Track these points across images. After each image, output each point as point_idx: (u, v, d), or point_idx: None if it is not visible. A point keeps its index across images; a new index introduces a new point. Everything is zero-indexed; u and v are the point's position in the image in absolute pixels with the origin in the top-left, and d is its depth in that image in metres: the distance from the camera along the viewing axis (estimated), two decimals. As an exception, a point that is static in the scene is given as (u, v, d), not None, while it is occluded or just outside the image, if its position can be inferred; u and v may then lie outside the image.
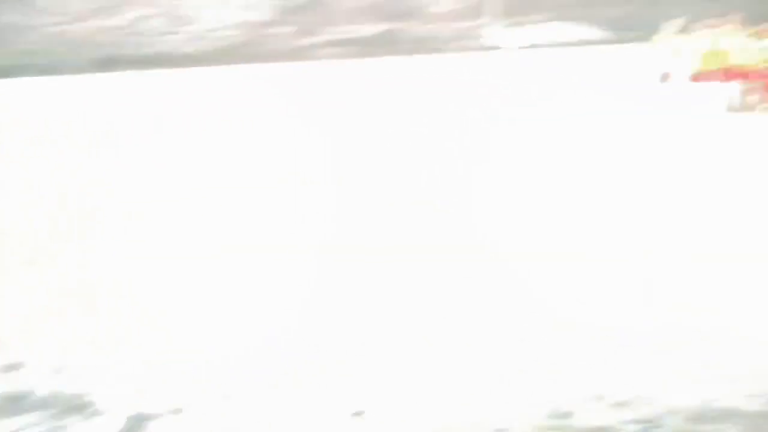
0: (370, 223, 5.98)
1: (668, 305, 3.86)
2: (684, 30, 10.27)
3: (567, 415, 2.89)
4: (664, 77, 10.38)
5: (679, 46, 10.87)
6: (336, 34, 48.87)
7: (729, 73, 9.86)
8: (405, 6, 50.19)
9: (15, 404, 3.12)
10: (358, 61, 42.92)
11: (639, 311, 3.86)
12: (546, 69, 26.25)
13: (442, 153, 8.80)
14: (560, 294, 4.37)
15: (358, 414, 2.97)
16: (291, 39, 47.82)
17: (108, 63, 39.87)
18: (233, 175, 8.66)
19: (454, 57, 41.71)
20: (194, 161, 10.12)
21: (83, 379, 3.45)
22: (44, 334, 4.23)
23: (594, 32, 45.28)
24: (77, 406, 3.14)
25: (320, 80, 27.89)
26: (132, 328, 4.20)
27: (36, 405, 3.10)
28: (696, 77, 10.14)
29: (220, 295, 4.83)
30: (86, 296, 4.92)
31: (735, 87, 9.54)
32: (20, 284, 4.99)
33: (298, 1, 50.62)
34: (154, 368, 3.55)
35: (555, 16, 48.49)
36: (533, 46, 45.67)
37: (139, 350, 3.86)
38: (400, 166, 8.01)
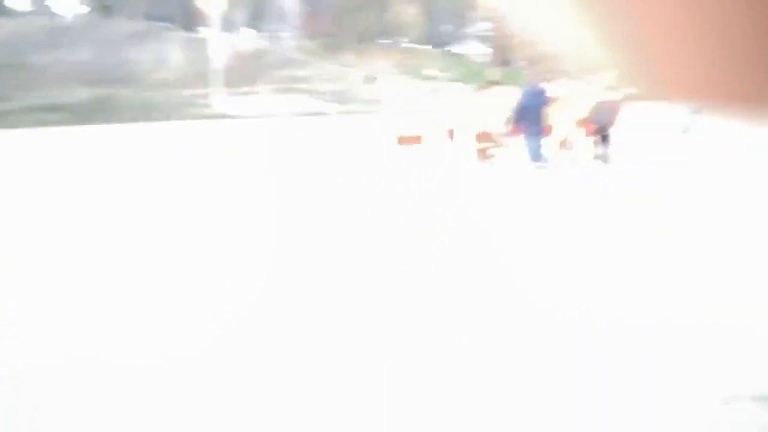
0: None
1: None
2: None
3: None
4: (401, 140, 11.03)
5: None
6: (42, 99, 43.60)
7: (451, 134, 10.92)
8: (125, 72, 47.35)
9: None
10: (68, 129, 38.76)
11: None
12: (276, 136, 26.74)
13: (167, 221, 7.82)
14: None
15: None
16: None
17: None
18: None
19: (180, 124, 40.41)
20: None
21: None
22: None
23: (317, 104, 48.34)
24: None
25: (23, 149, 24.32)
26: None
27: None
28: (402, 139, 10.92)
29: None
30: None
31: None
32: None
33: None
34: None
35: (282, 88, 50.62)
36: (262, 115, 46.79)
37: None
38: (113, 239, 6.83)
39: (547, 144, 8.10)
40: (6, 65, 45.23)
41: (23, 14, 53.16)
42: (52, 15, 54.72)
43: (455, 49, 73.60)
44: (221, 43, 49.81)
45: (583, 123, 10.19)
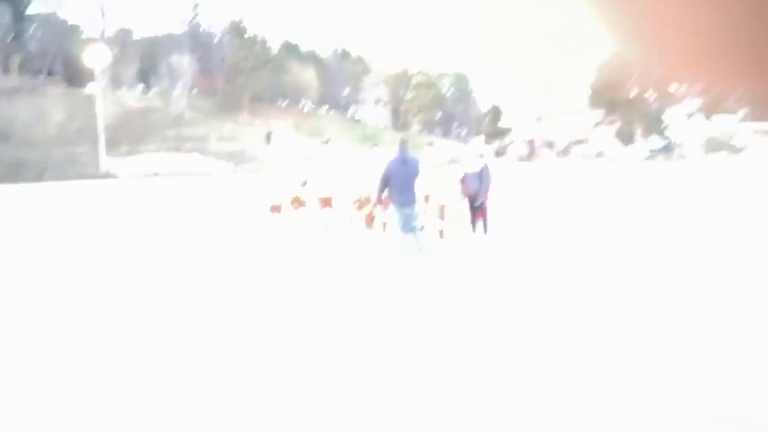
0: None
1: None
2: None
3: None
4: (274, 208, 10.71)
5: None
6: None
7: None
8: (3, 128, 43.74)
9: None
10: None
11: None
12: (166, 196, 25.47)
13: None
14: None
15: None
16: None
17: None
18: None
19: (57, 184, 37.39)
20: None
21: None
22: None
23: (208, 163, 47.00)
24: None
25: None
26: None
27: None
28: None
29: None
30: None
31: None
32: None
33: None
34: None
35: (171, 147, 48.89)
36: (152, 174, 44.75)
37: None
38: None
39: (423, 214, 7.75)
40: None
41: None
42: None
43: (353, 112, 75.48)
44: (108, 100, 47.75)
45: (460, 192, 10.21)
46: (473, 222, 8.92)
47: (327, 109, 71.61)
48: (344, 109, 73.44)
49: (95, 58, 46.10)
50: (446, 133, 75.35)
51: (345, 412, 3.27)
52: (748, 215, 10.81)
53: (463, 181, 8.87)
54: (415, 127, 73.10)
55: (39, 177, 37.44)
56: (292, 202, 10.81)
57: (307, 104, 70.18)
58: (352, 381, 3.69)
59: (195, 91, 57.92)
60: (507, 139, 66.53)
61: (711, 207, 12.65)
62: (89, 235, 12.35)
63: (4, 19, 51.63)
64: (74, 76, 50.19)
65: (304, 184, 10.96)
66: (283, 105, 65.81)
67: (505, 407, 3.22)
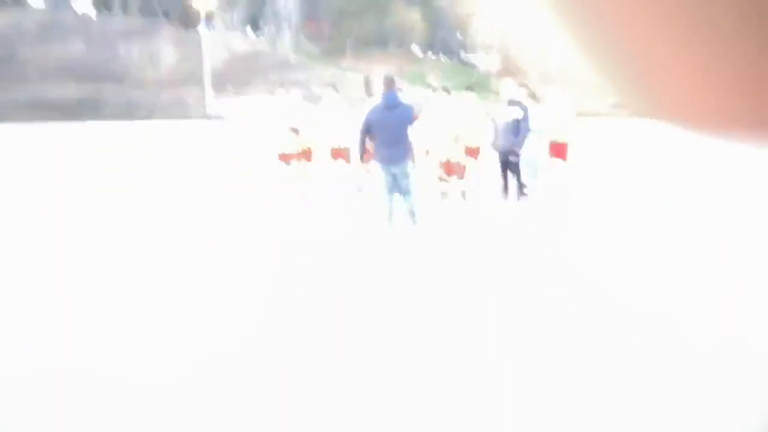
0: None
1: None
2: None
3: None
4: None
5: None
6: (31, 94, 42.96)
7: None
8: (115, 68, 46.57)
9: None
10: (55, 125, 37.93)
11: None
12: (263, 139, 25.67)
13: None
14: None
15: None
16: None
17: None
18: None
19: (165, 123, 39.39)
20: None
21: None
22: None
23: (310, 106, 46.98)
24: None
25: (8, 143, 23.61)
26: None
27: None
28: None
29: None
30: None
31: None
32: None
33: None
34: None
35: (275, 90, 49.37)
36: (253, 117, 45.65)
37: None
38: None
39: (416, 172, 6.20)
40: (-3, 58, 44.77)
41: (16, 6, 52.70)
42: (52, 8, 54.25)
43: (461, 57, 72.54)
44: (216, 43, 49.06)
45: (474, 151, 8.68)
46: (505, 185, 7.39)
47: (434, 53, 69.41)
48: (451, 53, 70.78)
49: (207, 2, 47.24)
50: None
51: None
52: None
53: (495, 132, 7.44)
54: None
55: (148, 116, 39.38)
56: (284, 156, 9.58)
57: (414, 48, 68.36)
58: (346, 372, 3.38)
59: (301, 36, 58.23)
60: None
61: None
62: (193, 172, 13.29)
63: (125, -37, 54.28)
64: (187, 19, 51.96)
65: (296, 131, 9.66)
66: (389, 49, 64.49)
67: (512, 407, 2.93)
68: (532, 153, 7.46)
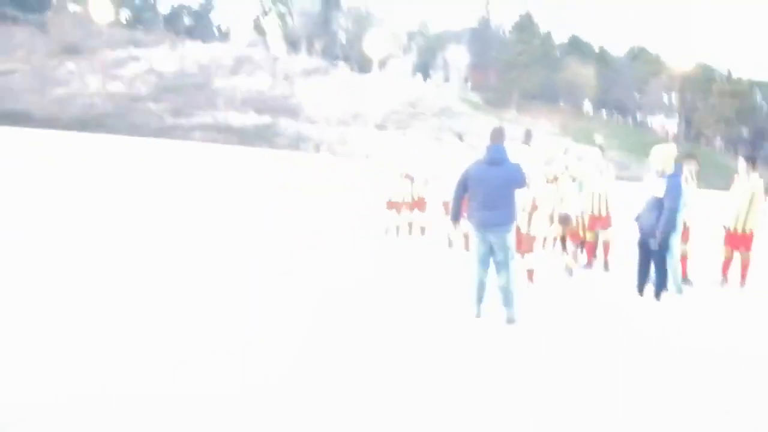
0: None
1: None
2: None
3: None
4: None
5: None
6: (216, 119, 47.99)
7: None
8: (294, 103, 50.54)
9: None
10: (231, 148, 41.93)
11: None
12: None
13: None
14: None
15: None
16: (164, 116, 46.37)
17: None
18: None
19: (326, 156, 41.59)
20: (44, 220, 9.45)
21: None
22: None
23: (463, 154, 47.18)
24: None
25: (191, 160, 26.66)
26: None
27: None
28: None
29: None
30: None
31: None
32: None
33: (176, 80, 49.81)
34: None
35: (432, 136, 50.61)
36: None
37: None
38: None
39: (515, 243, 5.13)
40: (195, 86, 50.70)
41: (221, 41, 59.59)
42: (251, 45, 60.64)
43: (636, 118, 68.30)
44: (385, 87, 51.26)
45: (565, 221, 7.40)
46: (640, 278, 5.81)
47: (606, 112, 66.23)
48: (626, 113, 66.98)
49: (379, 48, 49.85)
50: (753, 152, 63.29)
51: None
52: None
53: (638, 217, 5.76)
54: (717, 143, 63.15)
55: (315, 150, 41.89)
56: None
57: (585, 105, 65.84)
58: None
59: (467, 84, 58.98)
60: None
61: None
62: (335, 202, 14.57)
63: (317, 7, 59.30)
64: (362, 63, 55.12)
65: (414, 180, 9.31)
66: (559, 105, 62.79)
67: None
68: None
